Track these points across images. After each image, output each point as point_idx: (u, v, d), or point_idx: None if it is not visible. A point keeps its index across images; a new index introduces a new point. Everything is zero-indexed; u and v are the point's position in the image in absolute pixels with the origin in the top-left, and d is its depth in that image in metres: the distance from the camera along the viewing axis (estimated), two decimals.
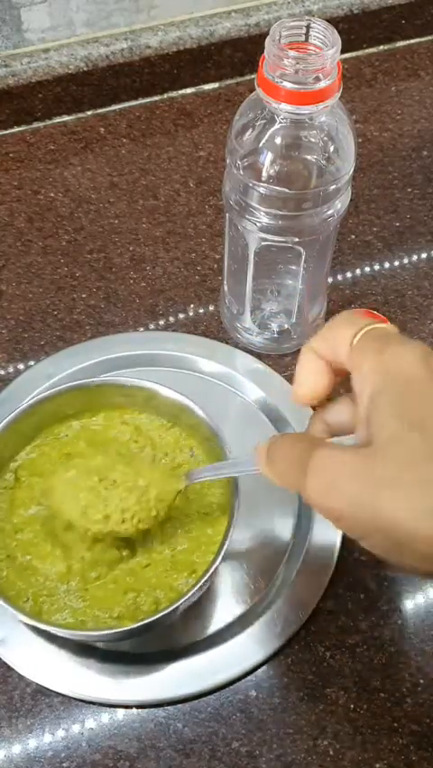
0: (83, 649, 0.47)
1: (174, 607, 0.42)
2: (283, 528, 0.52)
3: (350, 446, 0.31)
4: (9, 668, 0.47)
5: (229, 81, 0.80)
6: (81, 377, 0.55)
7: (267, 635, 0.47)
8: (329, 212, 0.50)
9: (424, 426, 0.29)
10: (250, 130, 0.48)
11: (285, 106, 0.44)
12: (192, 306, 0.63)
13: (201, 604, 0.49)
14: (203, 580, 0.42)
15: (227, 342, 0.61)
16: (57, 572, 0.45)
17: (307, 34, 0.44)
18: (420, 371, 0.31)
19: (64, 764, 0.45)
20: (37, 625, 0.42)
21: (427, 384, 0.31)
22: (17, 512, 0.47)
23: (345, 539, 0.50)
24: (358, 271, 0.66)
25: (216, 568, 0.43)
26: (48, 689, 0.46)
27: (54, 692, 0.46)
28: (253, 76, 0.46)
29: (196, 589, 0.42)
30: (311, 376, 0.36)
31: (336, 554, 0.50)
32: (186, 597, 0.42)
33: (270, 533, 0.52)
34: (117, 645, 0.47)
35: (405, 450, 0.29)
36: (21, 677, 0.47)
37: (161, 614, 0.42)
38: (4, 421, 0.48)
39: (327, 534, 0.50)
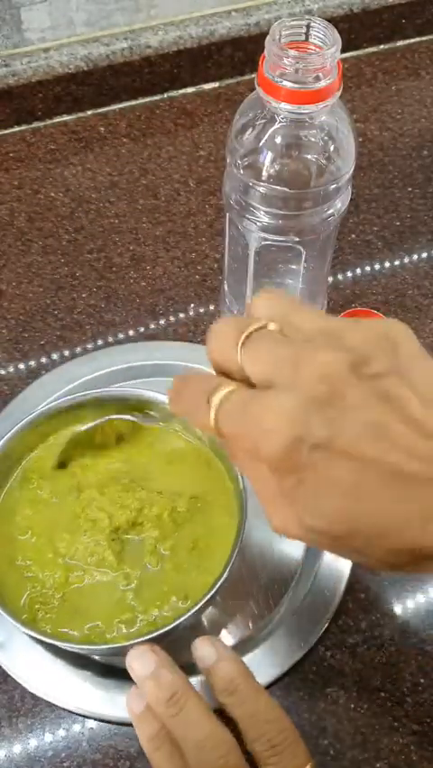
0: (81, 662, 0.47)
1: (166, 630, 0.41)
2: (293, 551, 0.51)
3: (298, 514, 0.30)
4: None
5: (229, 81, 0.80)
6: (93, 386, 0.54)
7: (270, 661, 0.47)
8: (329, 211, 0.50)
9: (348, 521, 0.29)
10: (250, 129, 0.48)
11: (285, 106, 0.44)
12: (192, 305, 0.63)
13: (204, 625, 0.48)
14: (200, 604, 0.42)
15: None
16: (55, 581, 0.45)
17: (307, 33, 0.44)
18: (292, 448, 0.28)
19: (65, 764, 0.45)
20: (23, 629, 0.42)
21: (309, 463, 0.28)
22: (23, 512, 0.47)
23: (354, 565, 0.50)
24: (358, 271, 0.66)
25: (216, 591, 0.42)
26: (41, 698, 0.46)
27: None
28: (253, 75, 0.46)
29: (193, 611, 0.41)
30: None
31: (345, 580, 0.49)
32: (181, 619, 0.41)
33: (279, 554, 0.51)
34: (118, 660, 0.46)
35: (338, 535, 0.30)
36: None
37: (155, 634, 0.41)
38: (17, 426, 0.48)
39: (336, 561, 0.50)
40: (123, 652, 0.41)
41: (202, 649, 0.40)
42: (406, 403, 0.29)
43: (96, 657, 0.47)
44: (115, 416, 0.49)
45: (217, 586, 0.42)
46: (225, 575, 0.42)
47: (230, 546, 0.44)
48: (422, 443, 0.28)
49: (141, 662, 0.39)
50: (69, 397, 0.50)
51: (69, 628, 0.44)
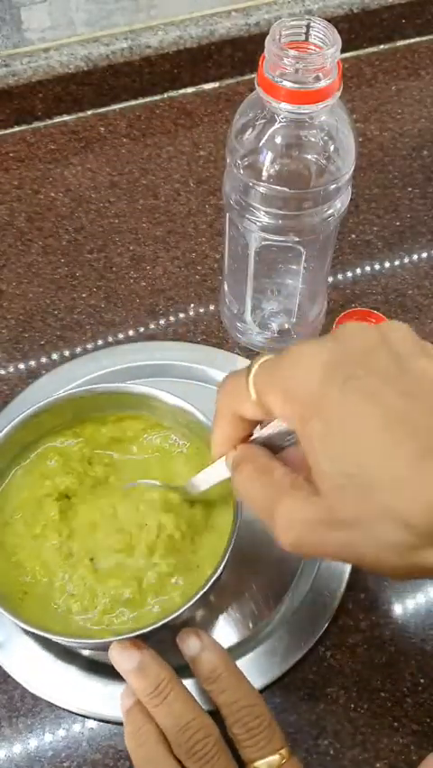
0: (82, 662, 0.47)
1: (144, 632, 0.40)
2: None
3: (308, 495, 0.31)
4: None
5: (229, 81, 0.80)
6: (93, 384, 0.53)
7: (270, 661, 0.46)
8: (329, 211, 0.50)
9: (358, 465, 0.29)
10: (250, 129, 0.48)
11: (285, 106, 0.44)
12: (192, 305, 0.63)
13: (205, 624, 0.48)
14: (189, 604, 0.41)
15: (232, 349, 0.61)
16: (37, 572, 0.44)
17: (307, 33, 0.44)
18: (322, 388, 0.30)
19: (65, 764, 0.45)
20: (8, 615, 0.41)
21: (336, 401, 0.30)
22: (22, 494, 0.47)
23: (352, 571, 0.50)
24: (358, 271, 0.66)
25: (210, 589, 0.42)
26: (41, 698, 0.46)
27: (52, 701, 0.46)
28: (253, 75, 0.46)
29: (182, 610, 0.41)
30: (226, 441, 0.37)
31: (345, 580, 0.49)
32: (160, 623, 0.40)
33: (279, 554, 0.50)
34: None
35: (350, 496, 0.29)
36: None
37: (133, 634, 0.40)
38: (45, 401, 0.47)
39: (336, 562, 0.49)
40: (106, 647, 0.41)
41: (187, 640, 0.41)
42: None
43: (86, 652, 0.47)
44: (143, 482, 0.47)
45: (200, 594, 0.41)
46: (206, 587, 0.41)
47: (219, 556, 0.43)
48: None
49: (124, 656, 0.40)
50: (106, 385, 0.50)
51: (51, 620, 0.43)
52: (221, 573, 0.42)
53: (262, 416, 0.34)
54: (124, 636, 0.40)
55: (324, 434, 0.30)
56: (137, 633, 0.40)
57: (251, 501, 0.34)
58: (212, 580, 0.42)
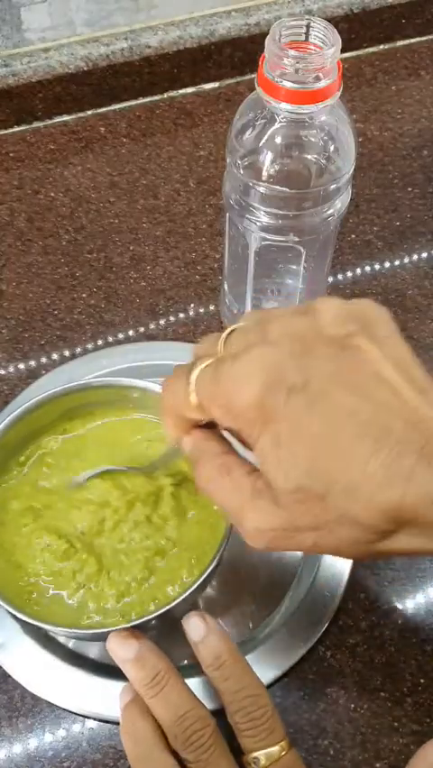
0: (82, 662, 0.47)
1: (140, 622, 0.40)
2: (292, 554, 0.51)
3: (269, 505, 0.31)
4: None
5: (229, 81, 0.80)
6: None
7: (270, 661, 0.46)
8: (329, 211, 0.50)
9: (310, 476, 0.29)
10: (250, 129, 0.48)
11: (285, 106, 0.44)
12: (192, 305, 0.63)
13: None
14: (187, 594, 0.41)
15: None
16: (36, 571, 0.44)
17: (307, 33, 0.44)
18: (266, 402, 0.30)
19: (65, 764, 0.45)
20: (12, 611, 0.41)
21: (282, 415, 0.29)
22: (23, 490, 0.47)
23: (354, 568, 0.50)
24: (358, 271, 0.66)
25: (203, 583, 0.41)
26: (41, 698, 0.46)
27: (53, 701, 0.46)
28: (253, 75, 0.46)
29: (174, 604, 0.40)
30: (177, 432, 0.37)
31: (345, 580, 0.49)
32: (161, 611, 0.40)
33: (278, 555, 0.50)
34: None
35: (308, 506, 0.30)
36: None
37: (138, 621, 0.40)
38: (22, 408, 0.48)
39: (336, 561, 0.49)
40: (103, 637, 0.41)
41: (192, 623, 0.41)
42: (379, 364, 0.30)
43: (84, 650, 0.47)
44: (111, 468, 0.47)
45: (201, 580, 0.41)
46: (207, 572, 0.41)
47: (218, 541, 0.43)
48: (396, 400, 0.29)
49: (122, 646, 0.40)
50: (100, 379, 0.50)
51: (50, 614, 0.43)
52: (219, 562, 0.42)
53: (208, 420, 0.34)
54: (121, 627, 0.40)
55: (273, 450, 0.30)
56: (134, 623, 0.40)
57: (217, 503, 0.35)
58: (208, 571, 0.41)
